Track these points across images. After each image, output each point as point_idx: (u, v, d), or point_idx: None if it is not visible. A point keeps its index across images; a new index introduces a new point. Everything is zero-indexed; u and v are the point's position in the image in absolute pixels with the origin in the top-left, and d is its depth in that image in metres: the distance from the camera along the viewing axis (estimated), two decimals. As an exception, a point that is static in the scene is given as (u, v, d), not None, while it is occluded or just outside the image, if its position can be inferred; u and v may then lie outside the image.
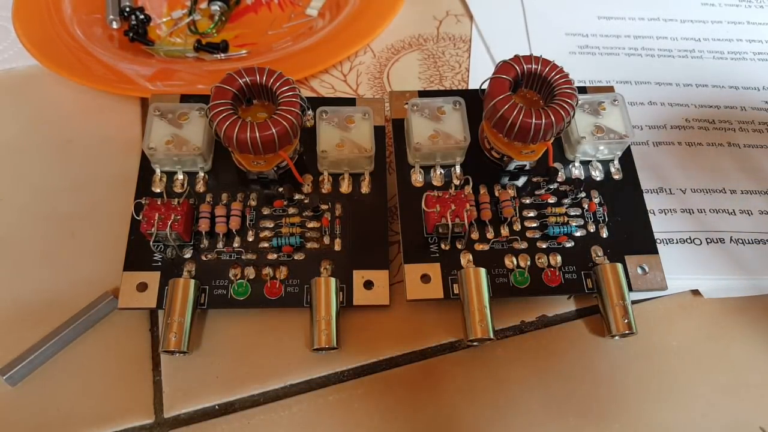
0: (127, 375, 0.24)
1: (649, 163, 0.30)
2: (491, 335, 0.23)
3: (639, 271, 0.25)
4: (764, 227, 0.28)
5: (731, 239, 0.28)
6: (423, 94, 0.29)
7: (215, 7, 0.37)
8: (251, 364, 0.25)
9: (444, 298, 0.25)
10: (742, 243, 0.28)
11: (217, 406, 0.24)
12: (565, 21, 0.38)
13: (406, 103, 0.27)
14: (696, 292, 0.27)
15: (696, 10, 0.39)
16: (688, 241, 0.28)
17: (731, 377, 0.25)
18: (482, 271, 0.24)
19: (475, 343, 0.24)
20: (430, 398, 0.24)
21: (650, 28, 0.37)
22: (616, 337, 0.25)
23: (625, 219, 0.27)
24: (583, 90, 0.29)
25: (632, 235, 0.26)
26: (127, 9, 0.36)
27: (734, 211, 0.29)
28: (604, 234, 0.26)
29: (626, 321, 0.24)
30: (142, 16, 0.36)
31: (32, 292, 0.26)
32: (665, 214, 0.28)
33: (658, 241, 0.27)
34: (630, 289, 0.25)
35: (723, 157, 0.31)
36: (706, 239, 0.28)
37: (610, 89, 0.29)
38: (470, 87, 0.34)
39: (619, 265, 0.25)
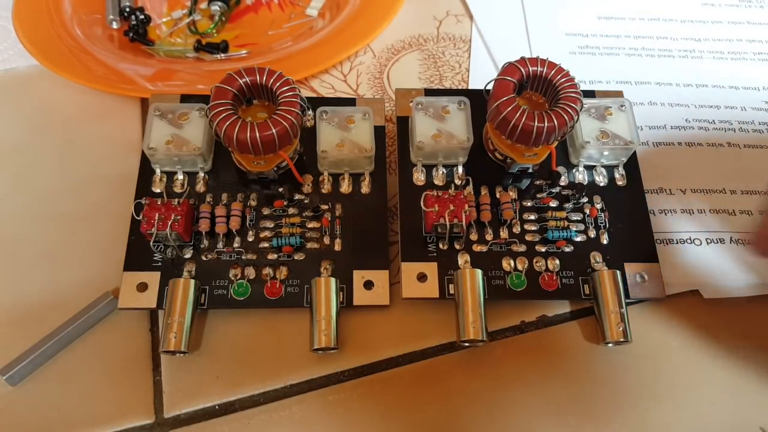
0: (127, 375, 0.24)
1: (649, 163, 0.30)
2: (484, 337, 0.23)
3: (638, 278, 0.25)
4: (764, 227, 0.28)
5: (731, 239, 0.28)
6: (430, 92, 0.29)
7: (215, 7, 0.37)
8: (251, 364, 0.25)
9: (439, 298, 0.25)
10: (742, 243, 0.28)
11: (217, 406, 0.24)
12: (565, 21, 0.38)
13: (411, 101, 0.27)
14: (696, 292, 0.27)
15: (696, 10, 0.39)
16: (688, 241, 0.28)
17: (731, 377, 0.25)
18: (478, 272, 0.24)
19: (467, 344, 0.24)
20: (429, 398, 0.24)
21: (650, 28, 0.37)
22: (610, 344, 0.25)
23: (626, 226, 0.26)
24: (591, 94, 0.29)
25: (633, 242, 0.26)
26: (127, 9, 0.36)
27: (734, 211, 0.29)
28: (605, 240, 0.26)
29: (621, 329, 0.24)
30: (142, 17, 0.36)
31: (32, 292, 0.26)
32: (665, 214, 0.28)
33: (658, 241, 0.27)
34: (628, 296, 0.25)
35: (723, 157, 0.30)
36: (706, 239, 0.28)
37: (619, 94, 0.29)
38: (470, 87, 0.34)
39: (617, 272, 0.25)
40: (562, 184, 0.27)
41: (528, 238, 0.26)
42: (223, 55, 0.35)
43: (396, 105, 0.29)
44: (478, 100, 0.27)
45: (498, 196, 0.27)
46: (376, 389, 0.24)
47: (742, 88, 0.34)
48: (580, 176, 0.28)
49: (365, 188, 0.27)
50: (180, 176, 0.27)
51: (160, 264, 0.25)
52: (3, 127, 0.31)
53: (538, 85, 0.25)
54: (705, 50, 0.36)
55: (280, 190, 0.26)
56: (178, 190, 0.27)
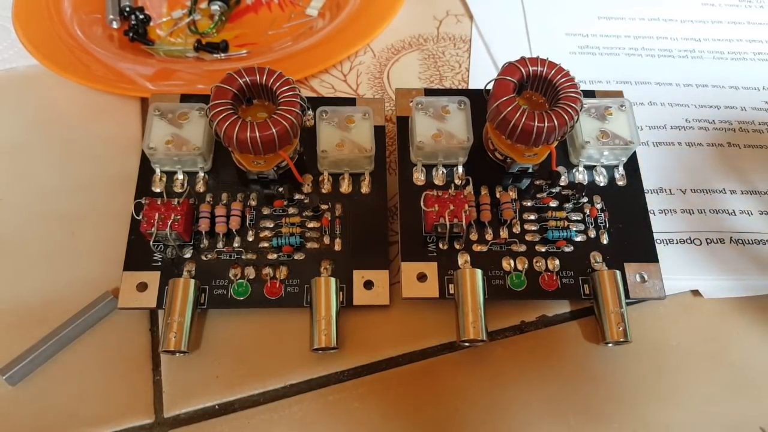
0: (127, 375, 0.24)
1: (649, 163, 0.30)
2: (484, 337, 0.23)
3: (638, 278, 0.25)
4: (764, 227, 0.28)
5: (731, 239, 0.28)
6: (430, 92, 0.29)
7: (215, 7, 0.37)
8: (251, 364, 0.25)
9: (439, 298, 0.25)
10: (742, 243, 0.28)
11: (217, 406, 0.24)
12: (565, 21, 0.38)
13: (411, 101, 0.27)
14: (696, 292, 0.27)
15: (696, 10, 0.39)
16: (688, 241, 0.28)
17: (731, 377, 0.25)
18: (478, 272, 0.24)
19: (467, 344, 0.24)
20: (429, 398, 0.24)
21: (650, 28, 0.37)
22: (610, 344, 0.25)
23: (626, 225, 0.26)
24: (591, 94, 0.29)
25: (633, 242, 0.26)
26: (127, 9, 0.36)
27: (734, 211, 0.29)
28: (605, 240, 0.26)
29: (621, 329, 0.24)
30: (142, 16, 0.36)
31: (32, 292, 0.26)
32: (665, 214, 0.28)
33: (658, 241, 0.27)
34: (628, 296, 0.25)
35: (723, 157, 0.31)
36: (706, 239, 0.28)
37: (619, 94, 0.29)
38: (470, 87, 0.34)
39: (617, 272, 0.25)
40: (562, 184, 0.27)
41: (528, 238, 0.26)
42: (223, 54, 0.35)
43: (396, 105, 0.29)
44: (478, 100, 0.27)
45: (498, 196, 0.27)
46: (376, 389, 0.24)
47: (742, 88, 0.34)
48: (580, 176, 0.28)
49: (365, 188, 0.27)
50: (180, 176, 0.27)
51: (160, 264, 0.25)
52: (3, 127, 0.31)
53: (538, 85, 0.25)
54: (705, 50, 0.36)
55: (280, 189, 0.26)
56: (178, 189, 0.27)
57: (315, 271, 0.25)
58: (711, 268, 0.27)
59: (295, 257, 0.25)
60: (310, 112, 0.28)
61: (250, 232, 0.26)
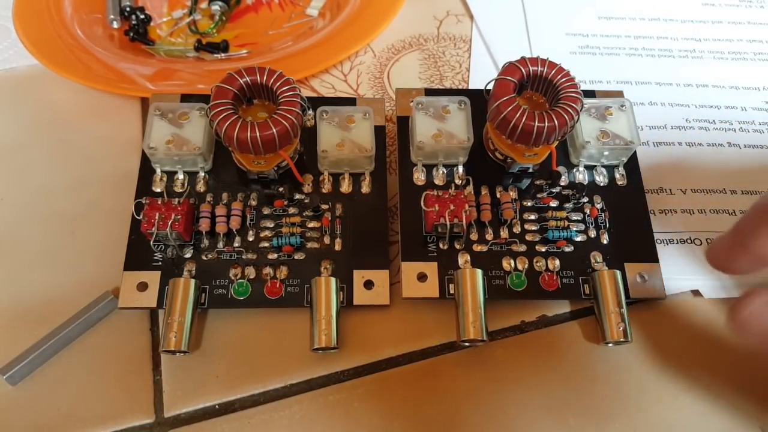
0: (127, 375, 0.24)
1: (650, 163, 0.30)
2: (484, 337, 0.23)
3: (638, 278, 0.25)
4: (764, 227, 0.28)
5: (731, 239, 0.28)
6: (430, 92, 0.29)
7: (216, 7, 0.37)
8: (251, 364, 0.25)
9: (439, 298, 0.25)
10: (743, 243, 0.28)
11: (217, 406, 0.24)
12: (566, 21, 0.38)
13: (412, 101, 0.27)
14: (696, 292, 0.27)
15: (696, 10, 0.39)
16: (688, 241, 0.28)
17: (731, 377, 0.25)
18: (478, 272, 0.24)
19: (467, 344, 0.24)
20: (430, 398, 0.24)
21: (650, 28, 0.37)
22: (610, 344, 0.25)
23: (626, 225, 0.26)
24: (591, 94, 0.29)
25: (633, 242, 0.26)
26: (128, 9, 0.36)
27: (734, 212, 0.29)
28: (605, 240, 0.26)
29: (621, 329, 0.24)
30: (142, 16, 0.36)
31: (32, 292, 0.26)
32: (665, 214, 0.28)
33: (658, 241, 0.27)
34: (628, 296, 0.25)
35: (723, 157, 0.30)
36: (706, 239, 0.28)
37: (619, 94, 0.29)
38: (471, 87, 0.34)
39: (617, 272, 0.25)
40: (562, 183, 0.27)
41: (528, 238, 0.26)
42: (223, 54, 0.35)
43: (396, 105, 0.29)
44: (478, 100, 0.27)
45: (498, 196, 0.27)
46: (376, 389, 0.24)
47: (743, 88, 0.34)
48: (581, 176, 0.28)
49: (365, 188, 0.27)
50: (180, 176, 0.27)
51: (160, 263, 0.25)
52: (3, 127, 0.31)
53: (539, 85, 0.25)
54: (705, 50, 0.36)
55: (281, 189, 0.26)
56: (178, 189, 0.27)
57: (315, 271, 0.25)
58: (711, 268, 0.27)
59: (296, 257, 0.25)
60: (310, 111, 0.28)
61: (251, 232, 0.26)
